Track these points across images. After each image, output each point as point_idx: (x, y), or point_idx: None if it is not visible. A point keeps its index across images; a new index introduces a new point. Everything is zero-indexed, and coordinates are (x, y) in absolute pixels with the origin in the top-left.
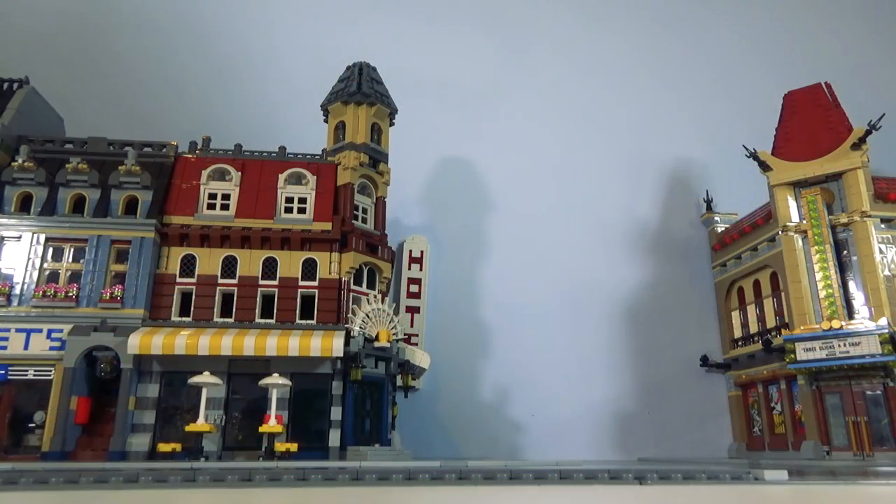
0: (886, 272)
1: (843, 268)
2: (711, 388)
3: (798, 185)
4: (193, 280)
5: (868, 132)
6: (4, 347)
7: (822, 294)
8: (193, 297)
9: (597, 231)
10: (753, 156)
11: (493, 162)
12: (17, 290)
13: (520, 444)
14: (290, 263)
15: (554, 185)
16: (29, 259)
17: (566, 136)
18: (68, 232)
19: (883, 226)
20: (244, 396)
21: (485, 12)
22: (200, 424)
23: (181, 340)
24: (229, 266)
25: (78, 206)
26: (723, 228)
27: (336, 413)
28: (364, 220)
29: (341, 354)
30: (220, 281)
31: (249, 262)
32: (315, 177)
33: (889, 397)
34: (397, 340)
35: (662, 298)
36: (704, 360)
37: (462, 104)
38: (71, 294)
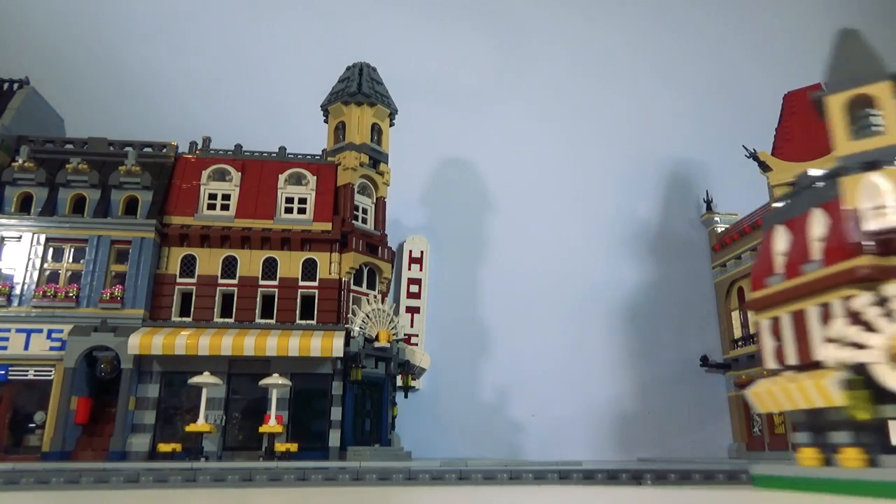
0: None
1: None
2: (711, 388)
3: None
4: (193, 280)
5: None
6: (4, 348)
7: None
8: (193, 297)
9: (597, 231)
10: (753, 156)
11: (493, 162)
12: (17, 291)
13: (520, 444)
14: (290, 264)
15: (554, 185)
16: (29, 259)
17: (566, 136)
18: (68, 232)
19: None
20: (244, 397)
21: (485, 12)
22: (200, 425)
23: (181, 340)
24: (229, 266)
25: (78, 206)
26: (723, 228)
27: (336, 413)
28: (364, 221)
29: (341, 355)
30: (221, 281)
31: (249, 262)
32: (315, 177)
33: None
34: (397, 340)
35: (662, 298)
36: (704, 361)
37: (462, 104)
38: (71, 294)
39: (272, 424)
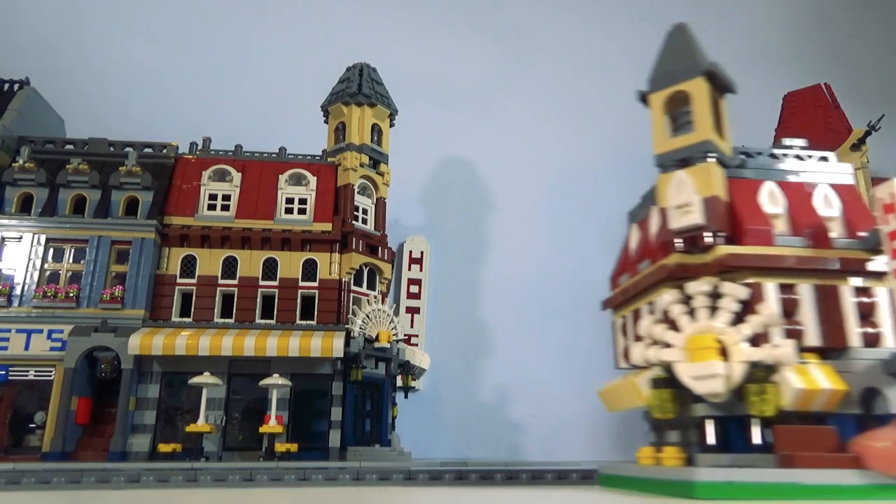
0: None
1: None
2: None
3: None
4: (194, 281)
5: (867, 133)
6: (5, 348)
7: None
8: (194, 297)
9: (597, 231)
10: None
11: (493, 162)
12: (17, 291)
13: (520, 444)
14: (290, 264)
15: (554, 185)
16: (29, 260)
17: (566, 135)
18: (69, 233)
19: None
20: (244, 397)
21: (485, 13)
22: (201, 425)
23: (181, 341)
24: (229, 267)
25: (78, 206)
26: None
27: (336, 413)
28: (364, 221)
29: (341, 355)
30: (221, 281)
31: (250, 262)
32: (315, 177)
33: None
34: (397, 341)
35: None
36: None
37: (462, 104)
38: (71, 295)
39: (272, 425)
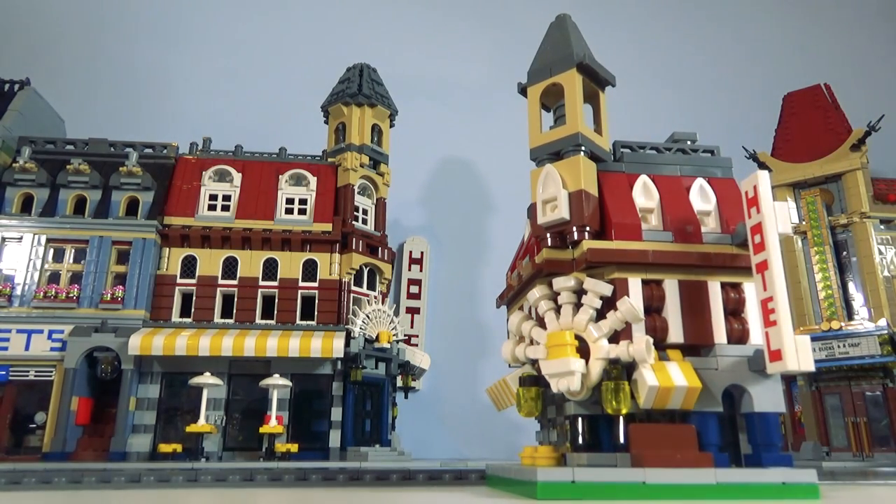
0: (886, 273)
1: (842, 269)
2: None
3: (798, 187)
4: (194, 281)
5: (867, 133)
6: (5, 348)
7: (822, 295)
8: (194, 297)
9: None
10: (753, 157)
11: (494, 162)
12: (18, 291)
13: (520, 444)
14: (290, 264)
15: None
16: (30, 260)
17: None
18: (69, 233)
19: (882, 227)
20: (244, 397)
21: (485, 12)
22: (201, 425)
23: (182, 341)
24: (230, 267)
25: (79, 207)
26: None
27: (336, 414)
28: (364, 222)
29: (342, 355)
30: (221, 282)
31: (250, 262)
32: (315, 178)
33: (888, 398)
34: (397, 341)
35: None
36: None
37: (462, 104)
38: (72, 295)
39: (272, 425)
